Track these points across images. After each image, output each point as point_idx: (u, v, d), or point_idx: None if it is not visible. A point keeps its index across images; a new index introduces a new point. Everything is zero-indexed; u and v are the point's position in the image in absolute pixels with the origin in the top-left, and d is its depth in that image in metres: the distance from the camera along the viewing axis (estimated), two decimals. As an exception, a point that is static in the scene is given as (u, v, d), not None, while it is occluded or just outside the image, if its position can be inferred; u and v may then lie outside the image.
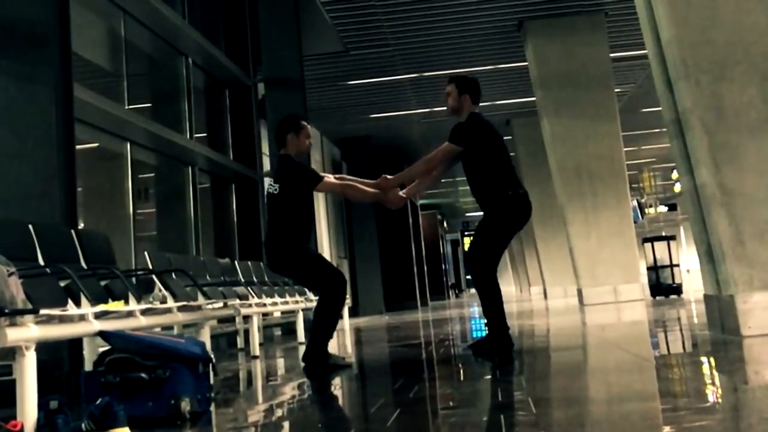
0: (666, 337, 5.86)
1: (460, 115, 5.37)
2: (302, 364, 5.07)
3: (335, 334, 5.37)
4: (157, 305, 4.65)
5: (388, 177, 5.34)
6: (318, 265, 5.19)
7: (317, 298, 5.32)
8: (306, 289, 8.56)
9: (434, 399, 3.58)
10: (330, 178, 5.36)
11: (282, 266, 5.27)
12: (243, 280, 7.81)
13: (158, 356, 3.43)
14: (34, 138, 5.10)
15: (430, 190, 29.14)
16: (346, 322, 10.59)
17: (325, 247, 17.01)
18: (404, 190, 5.53)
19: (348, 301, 11.22)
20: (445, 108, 5.53)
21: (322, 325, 5.01)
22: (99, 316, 3.72)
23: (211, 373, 3.78)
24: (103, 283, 4.66)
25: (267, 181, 11.39)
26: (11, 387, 3.04)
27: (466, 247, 5.25)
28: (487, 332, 5.29)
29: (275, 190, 5.18)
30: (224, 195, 11.48)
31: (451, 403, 3.38)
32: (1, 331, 2.92)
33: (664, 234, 14.46)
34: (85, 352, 4.68)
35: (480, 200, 5.31)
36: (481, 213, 5.30)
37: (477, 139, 5.22)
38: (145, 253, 5.96)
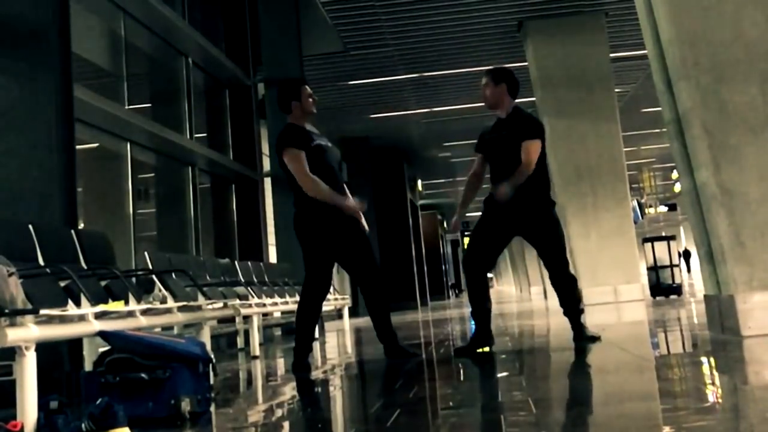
0: (666, 337, 5.86)
1: (500, 108, 5.21)
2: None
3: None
4: (157, 305, 4.64)
5: None
6: None
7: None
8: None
9: (434, 399, 3.58)
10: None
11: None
12: (243, 280, 7.80)
13: (158, 356, 3.43)
14: (34, 138, 5.09)
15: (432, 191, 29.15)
16: (346, 322, 10.60)
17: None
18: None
19: (348, 301, 11.24)
20: (479, 103, 5.40)
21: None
22: (99, 316, 3.72)
23: (211, 373, 3.78)
24: (103, 283, 4.65)
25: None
26: (11, 387, 3.04)
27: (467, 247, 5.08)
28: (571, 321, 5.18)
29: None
30: (224, 195, 11.48)
31: (451, 403, 3.38)
32: (1, 331, 2.92)
33: (664, 234, 14.46)
34: (85, 352, 4.67)
35: (528, 196, 4.96)
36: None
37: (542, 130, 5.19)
38: (145, 253, 5.96)
